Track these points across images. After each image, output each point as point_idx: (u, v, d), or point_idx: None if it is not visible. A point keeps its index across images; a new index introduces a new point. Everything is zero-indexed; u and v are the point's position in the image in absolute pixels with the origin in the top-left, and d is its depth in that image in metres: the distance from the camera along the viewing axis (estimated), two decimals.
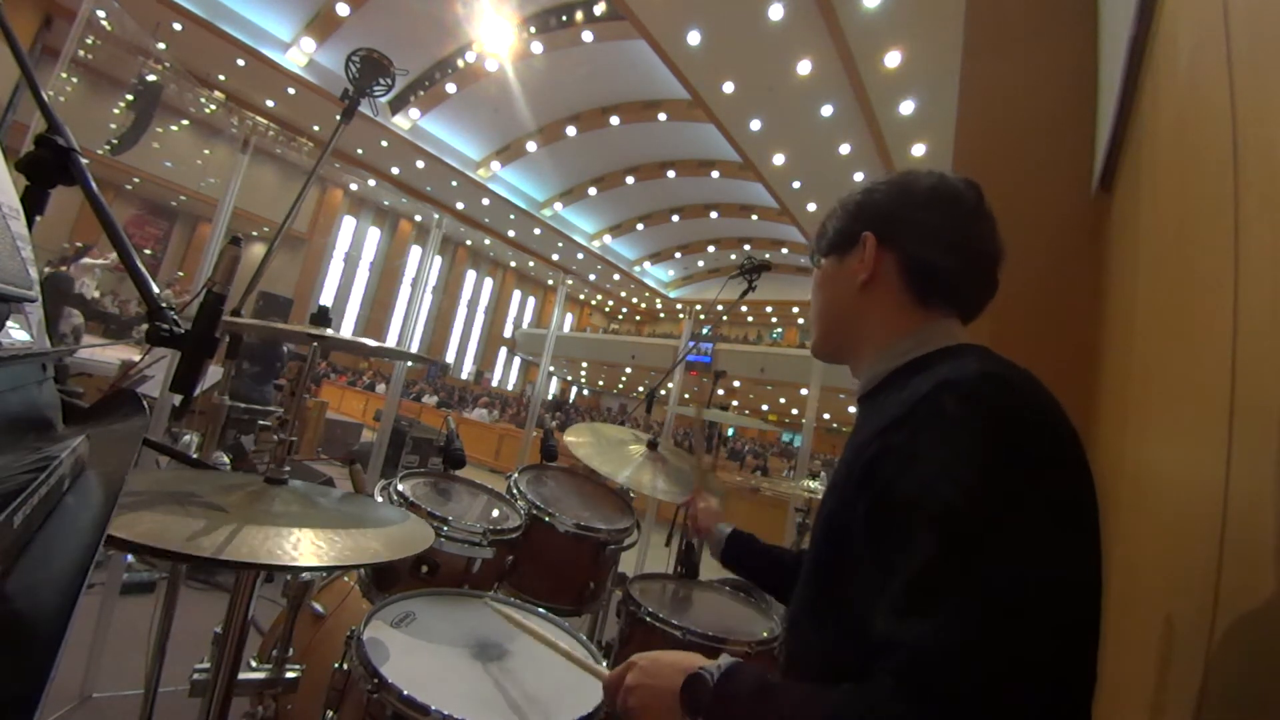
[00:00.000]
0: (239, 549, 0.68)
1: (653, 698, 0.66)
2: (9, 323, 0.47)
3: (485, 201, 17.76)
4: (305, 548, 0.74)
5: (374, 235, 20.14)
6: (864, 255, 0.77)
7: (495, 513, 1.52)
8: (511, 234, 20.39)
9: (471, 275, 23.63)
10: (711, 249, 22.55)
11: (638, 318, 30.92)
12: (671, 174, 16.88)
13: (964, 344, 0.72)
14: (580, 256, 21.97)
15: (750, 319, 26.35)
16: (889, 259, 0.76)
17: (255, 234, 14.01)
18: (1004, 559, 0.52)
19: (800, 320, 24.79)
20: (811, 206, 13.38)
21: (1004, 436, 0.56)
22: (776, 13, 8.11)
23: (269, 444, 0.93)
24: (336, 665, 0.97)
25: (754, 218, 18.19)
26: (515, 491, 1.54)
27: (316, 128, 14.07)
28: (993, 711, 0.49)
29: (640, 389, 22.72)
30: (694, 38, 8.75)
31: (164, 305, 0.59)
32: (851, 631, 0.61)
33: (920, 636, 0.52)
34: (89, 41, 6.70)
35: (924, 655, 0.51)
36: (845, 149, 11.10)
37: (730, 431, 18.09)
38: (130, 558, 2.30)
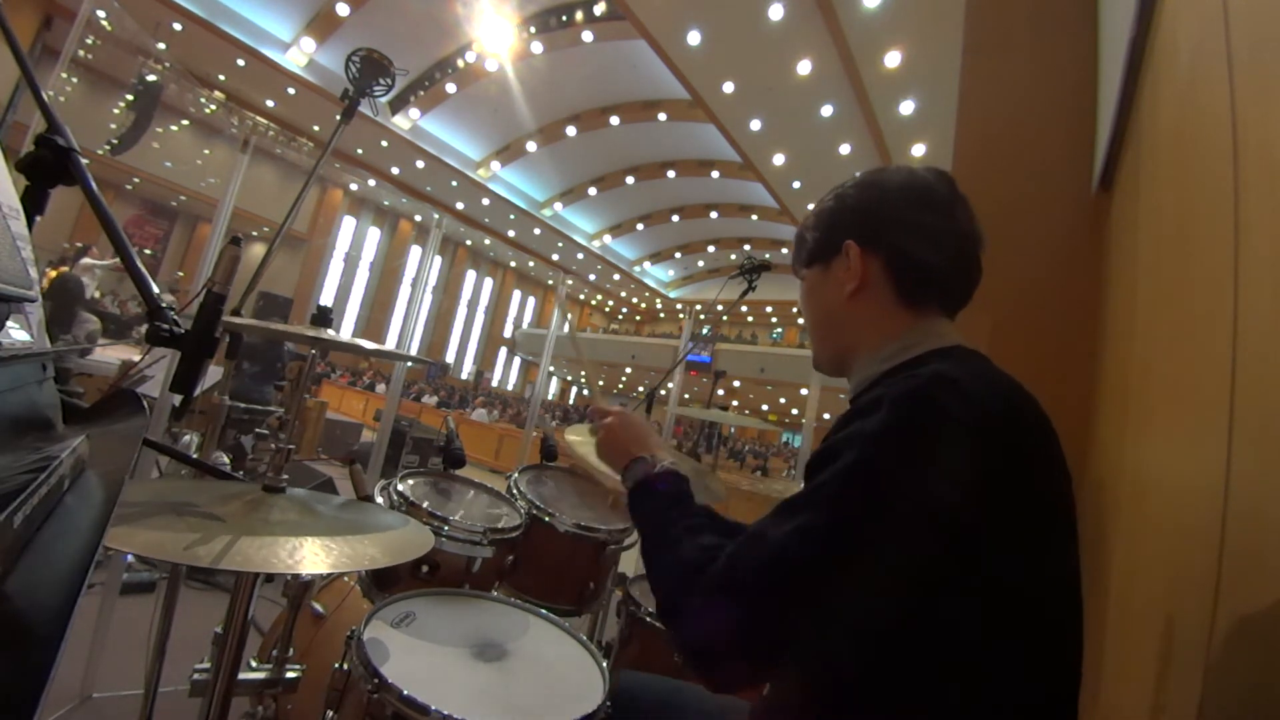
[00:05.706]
0: (235, 559, 0.68)
1: (613, 444, 0.87)
2: (9, 323, 0.47)
3: (485, 201, 17.76)
4: (302, 556, 0.74)
5: (374, 235, 20.12)
6: (849, 264, 0.75)
7: (495, 512, 1.51)
8: (511, 234, 20.38)
9: (471, 275, 23.61)
10: (711, 249, 22.54)
11: (638, 318, 30.91)
12: (671, 174, 16.87)
13: (949, 347, 0.70)
14: (580, 256, 21.96)
15: (750, 319, 26.33)
16: (874, 263, 0.74)
17: (255, 234, 13.99)
18: (877, 524, 0.56)
19: (800, 320, 24.76)
20: (811, 206, 13.33)
21: (921, 425, 0.58)
22: (776, 13, 8.11)
23: (267, 451, 0.93)
24: (336, 665, 0.97)
25: (754, 218, 18.18)
26: (515, 491, 1.54)
27: (316, 128, 14.05)
28: (764, 624, 0.56)
29: (640, 389, 22.71)
30: (694, 38, 8.75)
31: (164, 305, 0.59)
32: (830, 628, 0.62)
33: (753, 530, 0.60)
34: (89, 41, 6.70)
35: (744, 545, 0.60)
36: (845, 149, 11.10)
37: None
38: (130, 557, 2.30)
